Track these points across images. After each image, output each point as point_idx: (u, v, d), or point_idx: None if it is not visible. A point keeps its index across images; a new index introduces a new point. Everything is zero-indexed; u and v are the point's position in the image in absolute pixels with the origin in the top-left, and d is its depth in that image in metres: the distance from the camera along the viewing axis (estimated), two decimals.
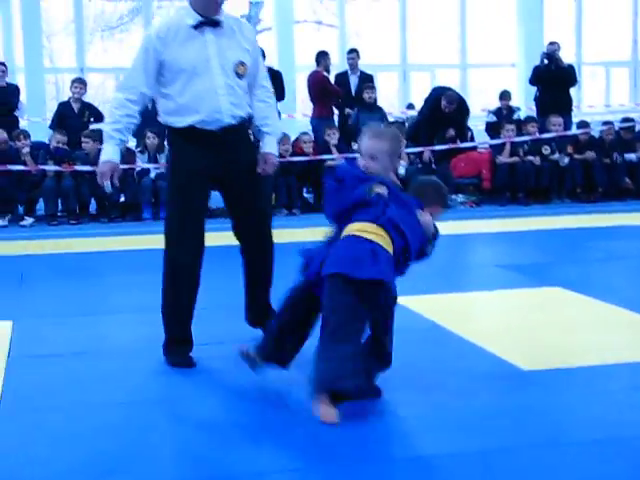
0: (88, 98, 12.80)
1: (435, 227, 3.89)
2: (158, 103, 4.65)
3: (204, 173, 4.53)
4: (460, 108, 12.47)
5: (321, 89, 12.93)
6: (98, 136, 11.31)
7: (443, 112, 12.22)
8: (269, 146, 4.77)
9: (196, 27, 4.46)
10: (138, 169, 11.20)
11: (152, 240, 8.86)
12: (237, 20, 4.68)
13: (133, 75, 4.56)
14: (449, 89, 12.79)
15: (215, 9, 4.46)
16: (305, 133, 11.93)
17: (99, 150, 11.44)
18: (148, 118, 11.75)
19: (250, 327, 4.86)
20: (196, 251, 4.62)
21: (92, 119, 11.97)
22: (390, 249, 3.67)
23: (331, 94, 12.95)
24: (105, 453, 3.32)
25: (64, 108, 12.03)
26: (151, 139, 11.21)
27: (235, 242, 4.84)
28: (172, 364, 4.52)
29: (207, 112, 4.46)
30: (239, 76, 4.53)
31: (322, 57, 12.94)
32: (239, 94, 4.55)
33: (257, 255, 4.79)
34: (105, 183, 4.77)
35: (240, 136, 4.64)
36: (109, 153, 4.63)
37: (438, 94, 12.50)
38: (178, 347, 4.59)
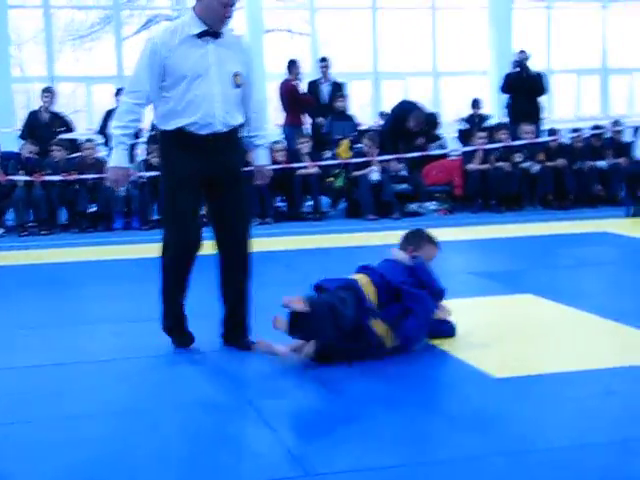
0: (59, 107, 12.77)
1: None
2: (157, 105, 4.79)
3: (195, 176, 4.73)
4: (429, 124, 12.58)
5: (291, 98, 13.00)
6: (67, 145, 11.31)
7: (409, 129, 12.32)
8: (263, 158, 5.12)
9: (199, 36, 4.68)
10: None
11: (124, 250, 8.95)
12: (236, 35, 4.95)
13: (139, 79, 4.71)
14: (416, 106, 12.78)
15: (223, 23, 4.71)
16: (277, 142, 11.93)
17: (68, 159, 11.46)
18: None
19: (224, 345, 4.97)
20: (197, 236, 4.84)
21: (62, 129, 11.94)
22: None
23: (302, 102, 13.01)
24: (81, 465, 3.31)
25: (34, 118, 12.00)
26: None
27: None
28: (179, 346, 4.91)
29: (201, 116, 4.67)
30: (235, 86, 4.76)
31: (292, 66, 13.01)
32: (233, 103, 4.78)
33: (235, 264, 4.93)
34: (121, 189, 4.85)
35: (230, 144, 4.82)
36: (120, 158, 4.79)
37: (405, 110, 12.52)
38: (180, 328, 4.96)
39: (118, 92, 12.33)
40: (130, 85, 4.79)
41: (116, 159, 4.78)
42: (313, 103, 13.03)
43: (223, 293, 4.97)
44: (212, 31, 4.69)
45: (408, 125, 12.24)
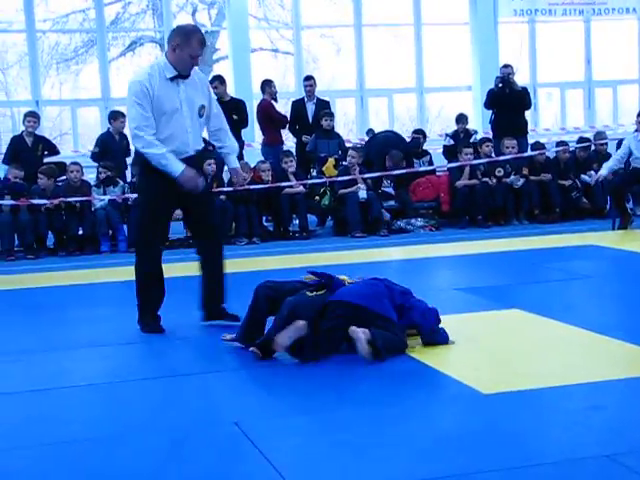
0: (45, 131, 12.77)
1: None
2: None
3: (169, 193, 5.74)
4: (408, 159, 12.67)
5: (267, 117, 13.07)
6: (53, 172, 11.29)
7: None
8: (233, 162, 6.15)
9: (172, 79, 5.72)
10: (95, 202, 11.18)
11: (111, 273, 8.93)
12: (199, 73, 5.97)
13: (143, 114, 5.64)
14: (392, 146, 12.80)
15: (190, 69, 5.78)
16: (263, 161, 11.95)
17: (56, 186, 11.46)
18: (101, 154, 11.90)
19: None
20: (158, 258, 5.96)
21: (46, 152, 11.93)
22: None
23: (277, 121, 13.08)
24: None
25: (18, 142, 11.97)
26: (102, 174, 11.31)
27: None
28: (146, 332, 5.90)
29: (178, 145, 5.73)
30: (200, 116, 5.84)
31: (266, 85, 13.10)
32: (199, 131, 5.93)
33: (211, 256, 6.02)
34: (200, 182, 5.77)
35: (198, 164, 6.09)
36: (181, 165, 5.69)
37: (385, 147, 12.58)
38: (152, 322, 5.96)
39: (112, 116, 12.35)
40: (140, 122, 5.65)
41: (178, 167, 5.67)
42: (286, 122, 13.09)
43: (203, 272, 6.01)
44: (182, 74, 5.72)
45: (386, 164, 12.33)
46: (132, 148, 12.24)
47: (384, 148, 12.55)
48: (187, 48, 5.68)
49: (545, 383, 4.40)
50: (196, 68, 5.90)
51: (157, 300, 5.99)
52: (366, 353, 4.82)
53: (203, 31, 6.13)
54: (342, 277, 5.41)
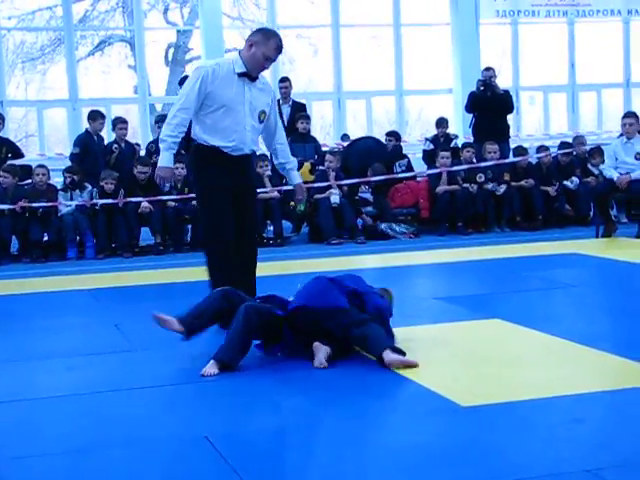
0: (9, 133, 12.70)
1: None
2: (197, 123, 6.08)
3: (225, 187, 6.05)
4: (389, 167, 12.72)
5: None
6: (16, 171, 11.22)
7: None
8: (297, 178, 6.63)
9: (239, 75, 6.00)
10: (61, 207, 11.12)
11: (78, 281, 8.89)
12: (265, 81, 6.32)
13: (189, 99, 5.97)
14: (373, 156, 12.81)
15: (259, 71, 6.11)
16: None
17: (18, 186, 11.37)
18: (81, 156, 11.83)
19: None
20: (230, 247, 6.08)
21: (9, 155, 11.86)
22: None
23: None
24: None
25: None
26: (68, 179, 11.28)
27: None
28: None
29: (236, 142, 6.05)
30: (260, 121, 6.16)
31: None
32: (256, 134, 6.25)
33: (248, 253, 6.25)
34: (166, 184, 5.94)
35: (250, 164, 6.47)
36: (169, 160, 6.08)
37: (364, 159, 12.64)
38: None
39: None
40: (183, 103, 5.99)
41: (166, 160, 6.04)
42: None
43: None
44: (249, 74, 6.01)
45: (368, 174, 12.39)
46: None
47: (365, 159, 12.58)
48: (263, 47, 5.97)
49: (526, 395, 4.40)
50: (264, 74, 6.30)
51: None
52: (319, 364, 5.02)
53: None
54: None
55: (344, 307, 5.23)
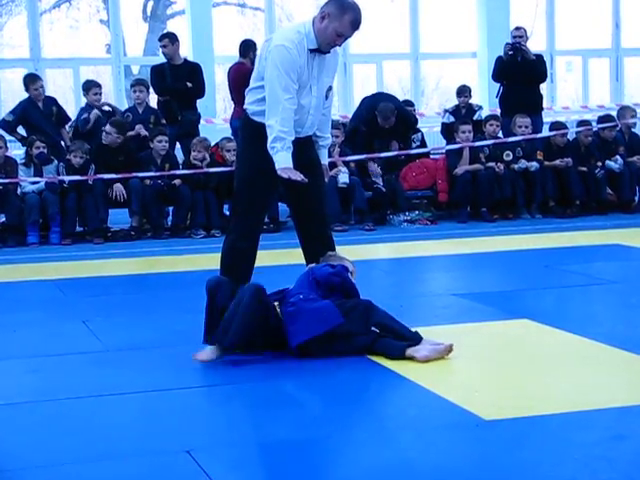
0: None
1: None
2: (255, 97, 6.23)
3: (272, 170, 5.84)
4: (402, 118, 12.55)
5: (245, 84, 12.90)
6: None
7: (382, 127, 12.34)
8: (325, 159, 6.43)
9: (311, 51, 5.94)
10: (23, 185, 11.10)
11: (39, 270, 8.90)
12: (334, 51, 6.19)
13: (289, 86, 5.87)
14: (380, 98, 12.79)
15: (330, 47, 6.00)
16: (229, 139, 11.79)
17: None
18: (37, 125, 11.78)
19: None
20: (255, 238, 6.21)
21: None
22: None
23: None
24: None
25: None
26: (41, 149, 11.15)
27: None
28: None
29: (295, 125, 5.91)
30: (326, 98, 6.16)
31: (248, 48, 12.73)
32: (319, 114, 6.16)
33: (318, 237, 6.20)
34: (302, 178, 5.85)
35: (308, 144, 6.20)
36: (290, 161, 5.87)
37: (370, 105, 12.55)
38: None
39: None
40: (285, 92, 5.87)
41: (287, 161, 5.84)
42: None
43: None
44: (321, 49, 5.95)
45: (379, 122, 12.26)
46: (72, 117, 12.26)
47: (374, 104, 12.48)
48: (336, 22, 5.84)
49: (558, 408, 4.42)
50: None
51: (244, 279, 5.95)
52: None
53: None
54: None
55: (339, 323, 5.28)
